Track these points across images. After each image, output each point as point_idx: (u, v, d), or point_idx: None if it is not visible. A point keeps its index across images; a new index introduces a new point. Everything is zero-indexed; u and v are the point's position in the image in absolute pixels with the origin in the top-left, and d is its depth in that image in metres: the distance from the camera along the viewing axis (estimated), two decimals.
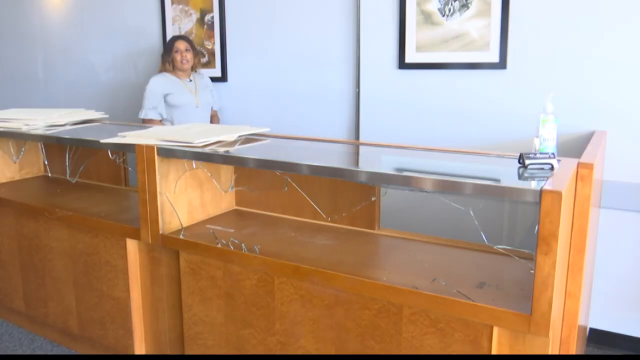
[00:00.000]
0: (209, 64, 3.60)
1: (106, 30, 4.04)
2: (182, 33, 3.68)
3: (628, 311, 2.60)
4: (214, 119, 3.52)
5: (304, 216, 2.25)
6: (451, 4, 2.74)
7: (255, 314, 1.93)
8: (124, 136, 2.24)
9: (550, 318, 1.40)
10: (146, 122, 3.22)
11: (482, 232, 1.79)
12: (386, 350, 1.68)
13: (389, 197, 2.60)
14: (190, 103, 3.30)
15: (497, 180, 1.57)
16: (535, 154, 1.63)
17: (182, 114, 3.29)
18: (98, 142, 2.24)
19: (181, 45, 3.28)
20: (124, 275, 2.26)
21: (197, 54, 3.39)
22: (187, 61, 3.27)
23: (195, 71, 3.41)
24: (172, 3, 3.67)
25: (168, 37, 3.74)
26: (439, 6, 2.77)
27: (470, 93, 2.78)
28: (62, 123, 2.80)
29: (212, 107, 3.47)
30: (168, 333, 2.26)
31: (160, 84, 3.29)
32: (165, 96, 3.27)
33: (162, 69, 3.34)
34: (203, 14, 3.56)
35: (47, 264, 2.55)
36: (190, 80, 3.35)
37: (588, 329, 2.67)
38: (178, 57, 3.26)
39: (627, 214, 2.52)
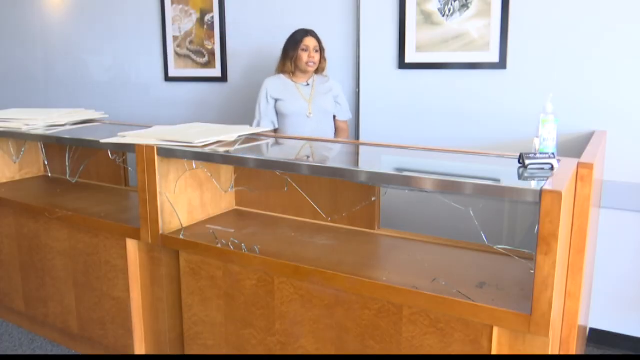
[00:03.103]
0: (209, 64, 3.60)
1: (106, 30, 4.04)
2: (182, 33, 3.68)
3: (628, 311, 2.60)
4: (341, 132, 2.90)
5: (304, 216, 2.24)
6: (451, 4, 2.74)
7: (255, 314, 1.93)
8: (124, 136, 2.24)
9: (550, 318, 1.40)
10: None
11: (482, 232, 1.79)
12: (386, 350, 1.68)
13: (389, 197, 2.60)
14: (301, 112, 2.76)
15: (497, 180, 1.57)
16: (535, 154, 1.63)
17: (291, 124, 2.77)
18: (98, 142, 2.24)
19: (311, 42, 2.74)
20: (124, 275, 2.26)
21: (324, 55, 2.84)
22: (314, 63, 2.74)
23: (322, 74, 2.89)
24: (172, 3, 3.68)
25: (168, 37, 3.74)
26: (439, 6, 2.77)
27: (470, 93, 2.78)
28: (62, 123, 2.80)
29: (336, 117, 2.90)
30: (168, 333, 2.26)
31: (272, 88, 2.79)
32: (275, 102, 2.79)
33: (281, 69, 2.82)
34: (203, 14, 3.56)
35: (47, 264, 2.55)
36: (307, 85, 2.81)
37: (588, 329, 2.67)
38: (305, 57, 2.73)
39: (627, 214, 2.52)
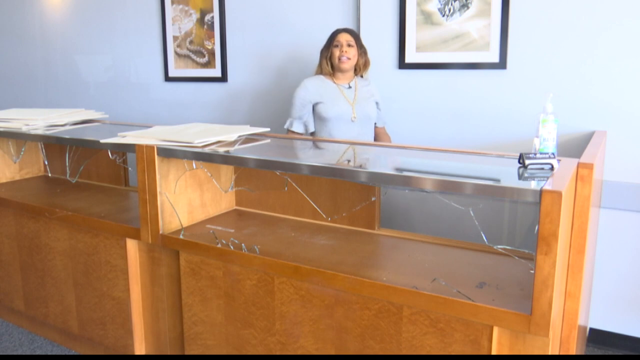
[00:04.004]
0: (209, 64, 3.60)
1: (106, 30, 4.04)
2: (182, 33, 3.68)
3: (628, 311, 2.60)
4: (381, 137, 2.79)
5: (304, 216, 2.25)
6: (451, 4, 2.74)
7: (255, 314, 1.93)
8: (124, 136, 2.24)
9: (550, 318, 1.40)
10: (291, 134, 2.67)
11: (482, 232, 1.79)
12: (386, 350, 1.68)
13: (389, 197, 2.60)
14: (345, 116, 2.61)
15: (497, 180, 1.57)
16: (535, 154, 1.63)
17: (334, 128, 2.62)
18: (98, 142, 2.24)
19: (342, 37, 2.62)
20: (124, 275, 2.26)
21: (363, 52, 2.70)
22: (348, 59, 2.60)
23: (361, 75, 2.76)
24: (172, 3, 3.68)
25: (168, 37, 3.74)
26: (439, 6, 2.77)
27: (470, 93, 2.78)
28: (62, 123, 2.80)
29: (376, 124, 2.77)
30: (168, 333, 2.26)
31: (311, 90, 2.64)
32: (315, 105, 2.64)
33: (319, 70, 2.71)
34: (203, 14, 3.56)
35: (47, 264, 2.55)
36: (350, 87, 2.68)
37: (588, 329, 2.67)
38: (336, 52, 2.61)
39: (627, 214, 2.52)
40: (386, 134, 2.83)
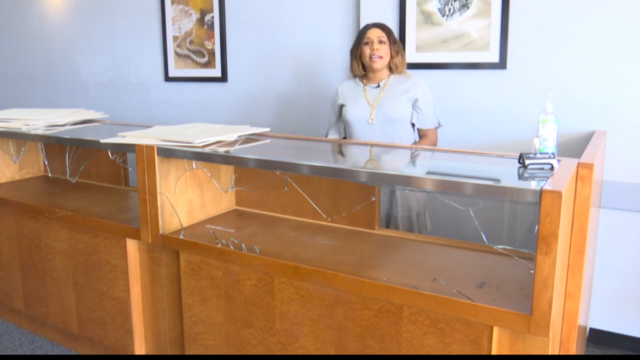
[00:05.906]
0: (209, 64, 3.60)
1: (106, 30, 4.04)
2: (182, 33, 3.68)
3: (628, 311, 2.60)
4: (422, 141, 2.49)
5: (304, 216, 2.24)
6: (451, 4, 2.74)
7: (255, 314, 1.93)
8: (124, 136, 2.24)
9: (550, 318, 1.40)
10: None
11: (482, 232, 1.79)
12: (386, 350, 1.68)
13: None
14: (361, 118, 2.42)
15: (497, 180, 1.57)
16: (535, 154, 1.63)
17: (354, 132, 2.46)
18: (98, 142, 2.24)
19: (373, 33, 2.40)
20: (124, 275, 2.26)
21: (398, 48, 2.45)
22: (380, 57, 2.38)
23: (401, 72, 2.50)
24: (172, 3, 3.68)
25: (168, 37, 3.74)
26: (439, 6, 2.77)
27: (470, 93, 2.78)
28: (62, 123, 2.80)
29: (416, 125, 2.47)
30: (168, 333, 2.26)
31: (339, 93, 2.53)
32: (340, 108, 2.53)
33: (352, 73, 2.55)
34: (203, 14, 3.56)
35: (47, 264, 2.55)
36: (378, 86, 2.45)
37: (588, 329, 2.67)
38: (367, 50, 2.39)
39: (627, 214, 2.52)
40: (427, 138, 2.49)
